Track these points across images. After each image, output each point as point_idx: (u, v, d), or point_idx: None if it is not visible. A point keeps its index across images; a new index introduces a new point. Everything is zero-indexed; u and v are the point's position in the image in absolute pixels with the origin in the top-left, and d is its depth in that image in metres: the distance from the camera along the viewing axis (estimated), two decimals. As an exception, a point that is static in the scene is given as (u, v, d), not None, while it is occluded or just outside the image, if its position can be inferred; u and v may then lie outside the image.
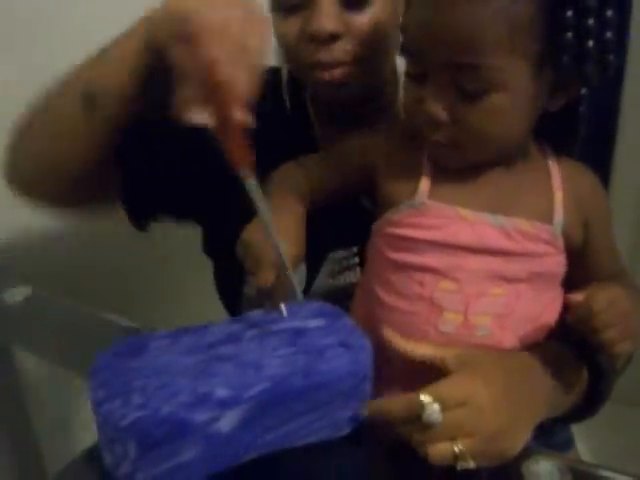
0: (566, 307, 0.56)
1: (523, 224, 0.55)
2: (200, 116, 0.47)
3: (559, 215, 0.57)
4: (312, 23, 0.60)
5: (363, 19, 0.62)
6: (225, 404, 0.45)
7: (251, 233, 0.56)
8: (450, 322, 0.54)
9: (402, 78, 0.59)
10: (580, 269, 0.59)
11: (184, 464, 0.45)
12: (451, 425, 0.48)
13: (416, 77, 0.54)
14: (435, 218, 0.55)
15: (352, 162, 0.63)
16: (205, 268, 0.83)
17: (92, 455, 0.48)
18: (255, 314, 0.56)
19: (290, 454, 0.49)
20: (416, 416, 0.48)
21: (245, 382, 0.47)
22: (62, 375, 0.69)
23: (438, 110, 0.52)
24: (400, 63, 0.65)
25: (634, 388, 0.68)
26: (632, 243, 1.19)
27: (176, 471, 0.45)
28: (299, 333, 0.53)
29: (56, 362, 0.72)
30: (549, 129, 0.58)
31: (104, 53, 0.58)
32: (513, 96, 0.51)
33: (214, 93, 0.46)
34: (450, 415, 0.48)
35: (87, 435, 0.48)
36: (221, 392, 0.45)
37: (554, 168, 0.59)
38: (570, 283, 0.58)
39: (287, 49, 0.65)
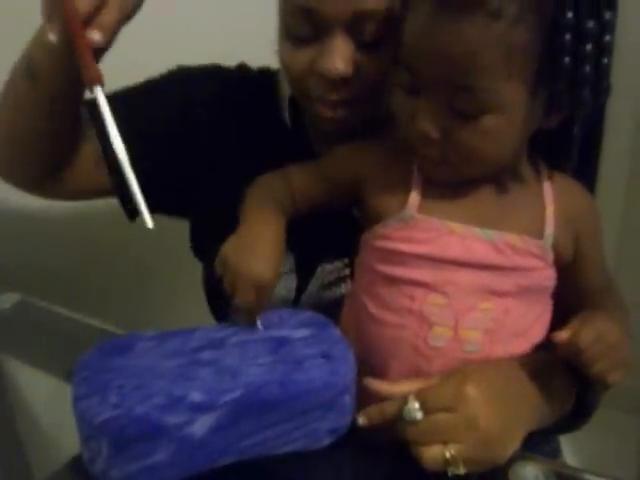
0: (555, 319, 0.57)
1: (513, 238, 0.55)
2: (49, 33, 0.51)
3: (549, 230, 0.57)
4: (325, 62, 0.57)
5: (376, 62, 0.58)
6: (199, 408, 0.46)
7: (229, 250, 0.55)
8: (440, 336, 0.54)
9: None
10: (570, 283, 0.59)
11: (158, 464, 0.45)
12: (434, 428, 0.49)
13: (410, 90, 0.53)
14: (424, 232, 0.55)
15: (340, 175, 0.62)
16: (194, 275, 0.83)
17: (78, 462, 0.48)
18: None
19: (275, 460, 0.50)
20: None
21: (221, 388, 0.47)
22: (49, 381, 0.69)
23: (430, 127, 0.52)
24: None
25: (621, 394, 0.69)
26: (617, 254, 1.21)
27: (150, 471, 0.45)
28: (283, 342, 0.53)
29: (44, 368, 0.72)
30: (544, 146, 0.58)
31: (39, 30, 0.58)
32: (507, 117, 0.51)
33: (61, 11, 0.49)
34: (433, 418, 0.49)
35: (74, 442, 0.48)
36: (196, 396, 0.46)
37: (547, 184, 0.59)
38: (559, 296, 0.59)
39: (293, 79, 0.63)
